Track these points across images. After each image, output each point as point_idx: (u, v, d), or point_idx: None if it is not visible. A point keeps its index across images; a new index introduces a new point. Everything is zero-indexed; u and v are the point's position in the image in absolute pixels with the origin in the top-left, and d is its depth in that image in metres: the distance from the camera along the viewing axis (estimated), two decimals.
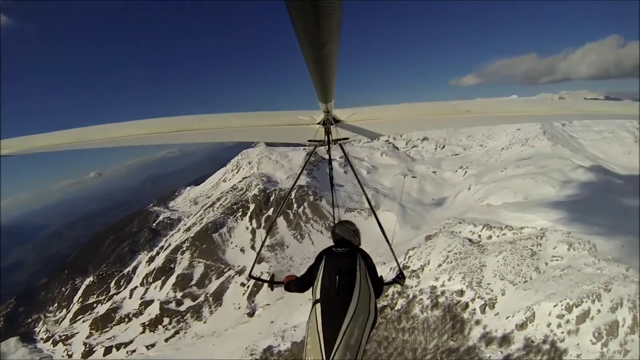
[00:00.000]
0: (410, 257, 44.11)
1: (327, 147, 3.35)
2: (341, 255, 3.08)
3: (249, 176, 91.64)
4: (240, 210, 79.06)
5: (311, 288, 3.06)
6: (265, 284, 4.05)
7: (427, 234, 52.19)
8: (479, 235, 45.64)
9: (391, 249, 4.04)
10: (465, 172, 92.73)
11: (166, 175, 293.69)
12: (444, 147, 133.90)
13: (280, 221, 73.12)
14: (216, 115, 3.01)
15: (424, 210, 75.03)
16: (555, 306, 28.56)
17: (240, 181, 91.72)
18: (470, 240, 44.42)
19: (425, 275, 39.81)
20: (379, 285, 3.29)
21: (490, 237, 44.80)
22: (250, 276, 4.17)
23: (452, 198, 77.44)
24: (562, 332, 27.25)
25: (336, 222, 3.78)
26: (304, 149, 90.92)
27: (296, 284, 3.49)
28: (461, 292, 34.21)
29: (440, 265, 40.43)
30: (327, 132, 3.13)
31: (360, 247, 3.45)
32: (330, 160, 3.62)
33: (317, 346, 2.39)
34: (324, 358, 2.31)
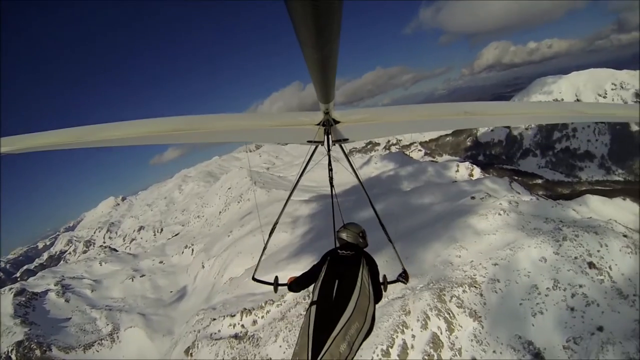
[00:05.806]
0: None
1: (326, 147, 3.38)
2: (345, 258, 3.07)
3: None
4: None
5: (312, 288, 3.05)
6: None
7: (184, 345, 42.42)
8: (243, 326, 38.45)
9: (394, 249, 4.07)
10: (193, 250, 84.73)
11: None
12: (162, 230, 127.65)
13: None
14: (217, 115, 3.01)
15: (169, 310, 63.72)
16: None
17: None
18: (236, 337, 37.26)
19: None
20: (379, 291, 3.28)
21: (255, 322, 38.07)
22: (254, 279, 4.16)
23: (192, 284, 69.51)
24: None
25: (341, 225, 3.75)
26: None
27: (297, 282, 3.48)
28: None
29: None
30: (327, 133, 3.16)
31: (366, 250, 3.44)
32: (329, 161, 3.64)
33: (305, 349, 2.36)
34: None
